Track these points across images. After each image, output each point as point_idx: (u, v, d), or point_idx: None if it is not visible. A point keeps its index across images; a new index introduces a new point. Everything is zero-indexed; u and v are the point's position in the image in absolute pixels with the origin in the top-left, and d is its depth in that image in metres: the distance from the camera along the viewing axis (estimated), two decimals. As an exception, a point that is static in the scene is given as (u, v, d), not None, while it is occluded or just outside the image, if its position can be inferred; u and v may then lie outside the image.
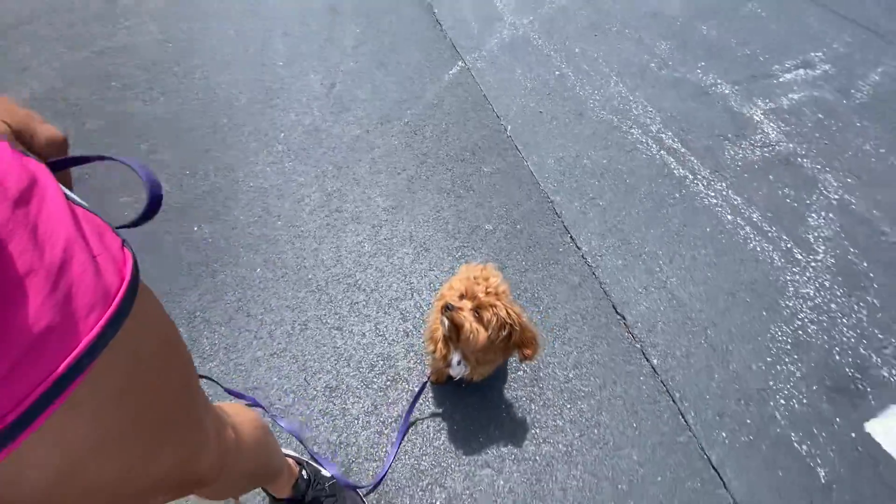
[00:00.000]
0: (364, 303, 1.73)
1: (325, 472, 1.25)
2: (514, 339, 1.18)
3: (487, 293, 1.15)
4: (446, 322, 1.16)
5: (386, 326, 1.66)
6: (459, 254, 1.87)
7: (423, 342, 1.58)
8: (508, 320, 1.14)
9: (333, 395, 1.50)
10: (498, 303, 1.14)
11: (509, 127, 2.42)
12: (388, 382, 1.53)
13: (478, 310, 1.15)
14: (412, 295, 1.75)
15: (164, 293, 1.74)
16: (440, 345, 1.27)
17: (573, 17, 3.18)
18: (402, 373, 1.55)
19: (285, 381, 1.53)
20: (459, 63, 2.83)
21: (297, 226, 1.98)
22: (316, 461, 1.29)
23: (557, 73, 2.75)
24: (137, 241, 1.46)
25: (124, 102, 2.59)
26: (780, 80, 2.64)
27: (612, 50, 2.89)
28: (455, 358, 1.26)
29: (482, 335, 1.13)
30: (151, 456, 0.49)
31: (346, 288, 1.77)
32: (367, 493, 1.29)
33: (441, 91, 2.65)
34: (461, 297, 1.19)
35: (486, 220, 2.00)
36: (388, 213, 2.03)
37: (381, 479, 1.31)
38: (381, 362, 1.57)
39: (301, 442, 1.30)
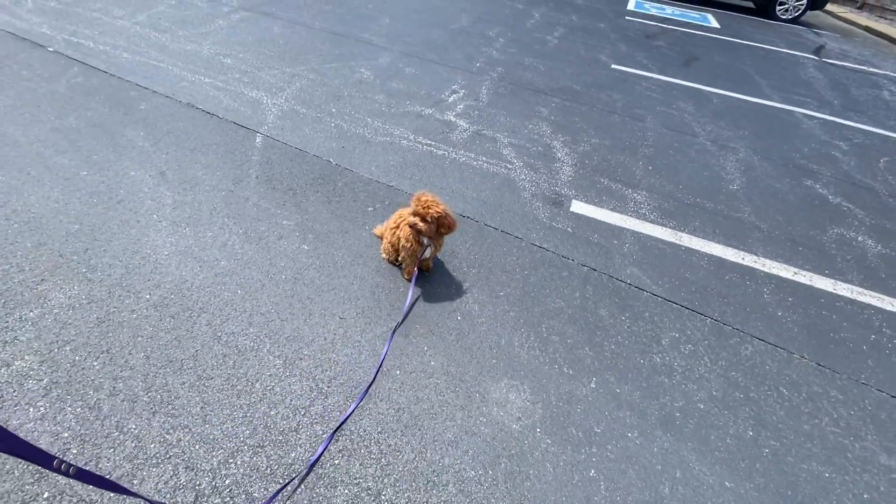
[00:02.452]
0: (336, 273, 2.43)
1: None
2: (441, 222, 2.27)
3: (424, 207, 2.20)
4: (425, 240, 2.17)
5: (361, 274, 2.44)
6: (368, 227, 2.78)
7: (389, 262, 2.47)
8: (436, 214, 2.23)
9: (365, 314, 2.21)
10: (429, 210, 2.20)
11: (331, 159, 3.43)
12: (388, 294, 2.34)
13: (424, 217, 2.19)
14: (360, 255, 2.57)
15: (174, 339, 1.97)
16: (414, 240, 2.25)
17: (314, 93, 4.42)
18: (390, 286, 2.39)
19: (329, 326, 2.13)
20: (258, 135, 3.62)
21: (239, 258, 2.44)
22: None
23: (333, 125, 3.92)
24: (96, 331, 2.00)
25: None
26: (448, 101, 4.64)
27: (355, 106, 4.29)
28: (425, 241, 2.26)
29: (427, 227, 2.19)
30: None
31: (316, 270, 2.42)
32: (403, 321, 2.13)
33: (262, 153, 3.39)
34: (415, 214, 2.20)
35: (365, 205, 2.98)
36: (299, 226, 2.72)
37: (408, 311, 2.17)
38: (376, 289, 2.36)
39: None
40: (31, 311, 2.00)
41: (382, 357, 1.96)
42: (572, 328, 2.31)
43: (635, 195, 3.46)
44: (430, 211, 2.14)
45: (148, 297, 2.14)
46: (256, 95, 4.20)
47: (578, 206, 3.26)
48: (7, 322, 1.94)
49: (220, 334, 2.02)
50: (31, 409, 1.65)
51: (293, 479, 1.56)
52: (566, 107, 4.81)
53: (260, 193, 2.95)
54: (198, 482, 1.52)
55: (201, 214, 2.70)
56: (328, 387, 1.87)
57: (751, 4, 11.08)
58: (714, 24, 9.39)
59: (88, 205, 2.65)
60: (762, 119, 5.22)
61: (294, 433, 1.70)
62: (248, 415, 1.74)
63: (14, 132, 3.22)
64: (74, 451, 1.56)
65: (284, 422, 1.73)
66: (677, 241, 3.04)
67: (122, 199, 2.73)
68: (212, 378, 1.84)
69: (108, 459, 1.55)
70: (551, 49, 6.51)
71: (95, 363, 1.83)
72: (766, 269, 2.91)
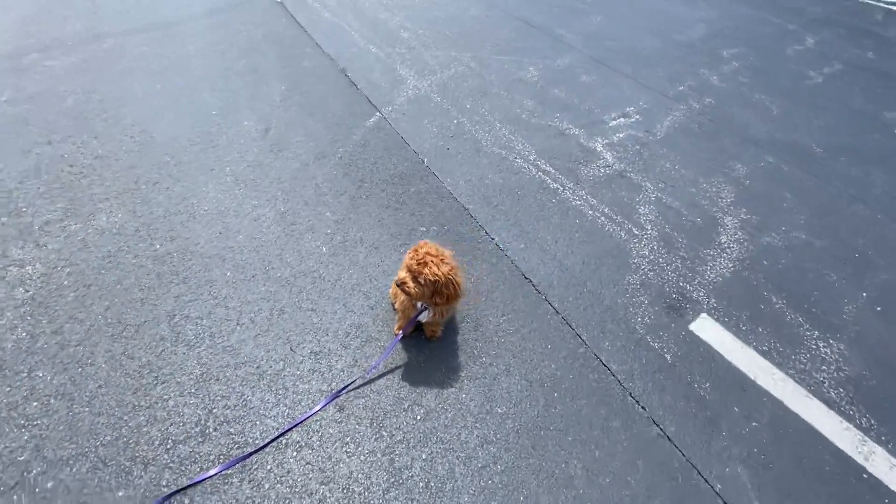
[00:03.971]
0: (331, 289, 2.07)
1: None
2: (437, 290, 1.60)
3: (419, 263, 1.59)
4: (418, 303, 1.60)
5: (353, 304, 2.02)
6: (403, 249, 2.32)
7: (390, 304, 1.98)
8: (432, 278, 1.57)
9: (319, 357, 1.80)
10: (423, 271, 1.56)
11: (426, 159, 3.03)
12: (363, 343, 1.87)
13: (415, 276, 1.58)
14: (370, 280, 2.14)
15: (139, 300, 1.90)
16: (403, 299, 1.70)
17: (461, 83, 4.04)
18: (373, 334, 1.91)
19: (273, 353, 1.79)
20: (377, 114, 3.44)
21: (257, 238, 2.28)
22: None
23: (455, 121, 3.50)
24: (97, 263, 1.78)
25: (51, 145, 2.67)
26: (610, 125, 3.71)
27: (494, 106, 3.76)
28: (420, 305, 1.69)
29: (417, 290, 1.57)
30: None
31: (312, 280, 2.10)
32: (345, 390, 1.61)
33: (366, 134, 3.20)
34: (407, 269, 1.61)
35: (419, 223, 2.51)
36: (338, 224, 2.43)
37: (379, 363, 1.63)
38: (354, 330, 1.92)
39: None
40: (76, 224, 2.19)
41: (285, 429, 1.53)
42: (567, 519, 1.47)
43: (822, 346, 2.14)
44: (424, 272, 1.55)
45: (157, 247, 2.14)
46: (405, 74, 4.04)
47: (705, 327, 2.16)
48: (52, 228, 2.16)
49: (175, 314, 1.88)
50: (-1, 317, 1.77)
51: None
52: (781, 172, 3.35)
53: (329, 176, 2.76)
54: (29, 469, 1.38)
55: (263, 180, 2.64)
56: (215, 430, 1.54)
57: None
58: None
59: (191, 142, 2.85)
60: None
61: (142, 466, 1.43)
62: (125, 418, 1.54)
63: (197, 66, 3.73)
64: (-12, 375, 1.60)
65: (146, 447, 1.48)
66: (857, 456, 1.73)
67: (217, 145, 2.86)
68: (132, 358, 1.71)
69: (-1, 398, 1.54)
70: (806, 88, 4.71)
71: (71, 295, 1.88)
72: None
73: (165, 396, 1.61)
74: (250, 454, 1.46)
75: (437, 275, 1.54)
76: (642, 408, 1.80)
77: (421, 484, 1.49)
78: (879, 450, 1.77)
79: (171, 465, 1.45)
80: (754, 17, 6.80)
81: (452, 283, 1.58)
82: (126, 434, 1.50)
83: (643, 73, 4.65)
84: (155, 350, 1.74)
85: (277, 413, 1.61)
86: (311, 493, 1.43)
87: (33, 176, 2.44)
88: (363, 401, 1.68)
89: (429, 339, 1.92)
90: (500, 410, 1.72)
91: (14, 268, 1.97)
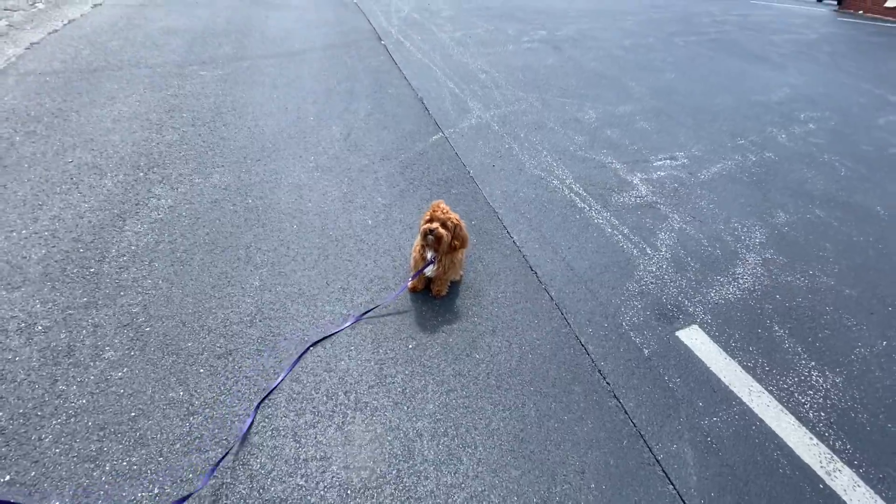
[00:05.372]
0: (367, 250, 2.57)
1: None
2: (456, 234, 2.06)
3: (443, 213, 2.06)
4: (431, 238, 2.05)
5: (381, 263, 2.49)
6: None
7: (410, 267, 2.42)
8: (455, 222, 2.05)
9: (345, 292, 2.28)
10: (451, 216, 2.05)
11: (471, 171, 3.52)
12: (381, 289, 2.32)
13: (443, 224, 2.04)
14: (398, 249, 2.61)
15: (229, 232, 2.54)
16: (419, 247, 2.15)
17: (521, 117, 4.55)
18: (390, 285, 2.35)
19: (313, 283, 2.30)
20: (440, 133, 4.03)
21: (322, 207, 2.88)
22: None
23: (507, 146, 3.97)
24: (207, 205, 2.49)
25: (194, 126, 3.57)
26: (654, 164, 3.94)
27: (546, 138, 4.19)
28: (429, 255, 2.12)
29: (447, 233, 2.02)
30: None
31: (355, 241, 2.62)
32: (367, 312, 2.03)
33: (426, 147, 3.78)
34: (430, 220, 2.08)
35: (451, 216, 2.96)
36: (385, 207, 2.97)
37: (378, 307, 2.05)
38: (377, 280, 2.38)
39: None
40: (199, 178, 2.97)
41: (319, 338, 1.99)
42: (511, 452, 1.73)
43: (815, 375, 2.17)
44: (451, 217, 2.03)
45: (249, 201, 2.82)
46: (472, 106, 4.66)
47: (691, 335, 2.30)
48: (183, 179, 2.94)
49: (251, 245, 2.49)
50: (135, 226, 2.50)
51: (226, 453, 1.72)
52: (828, 226, 3.33)
53: (388, 173, 3.35)
54: (137, 318, 1.99)
55: (336, 169, 3.30)
56: (260, 321, 2.06)
57: None
58: None
59: (289, 136, 3.63)
60: None
61: (207, 331, 1.97)
62: (202, 301, 2.12)
63: (308, 85, 4.66)
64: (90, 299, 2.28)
65: (212, 321, 2.03)
66: (818, 470, 1.77)
67: (307, 141, 3.61)
68: (216, 267, 2.31)
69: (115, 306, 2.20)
70: (890, 157, 4.54)
71: (185, 221, 2.59)
72: None
73: (232, 294, 2.18)
74: (303, 352, 1.94)
75: (458, 220, 2.01)
76: (607, 382, 2.01)
77: (398, 388, 1.85)
78: (848, 470, 1.79)
79: (225, 335, 1.98)
80: (850, 87, 6.64)
81: (463, 228, 2.04)
82: (201, 311, 2.07)
83: (704, 126, 4.83)
84: (232, 264, 2.34)
85: (305, 321, 2.10)
86: (315, 375, 1.86)
87: (178, 144, 3.32)
88: (371, 326, 2.11)
89: (434, 297, 2.31)
90: (477, 356, 2.04)
91: (154, 199, 2.74)
